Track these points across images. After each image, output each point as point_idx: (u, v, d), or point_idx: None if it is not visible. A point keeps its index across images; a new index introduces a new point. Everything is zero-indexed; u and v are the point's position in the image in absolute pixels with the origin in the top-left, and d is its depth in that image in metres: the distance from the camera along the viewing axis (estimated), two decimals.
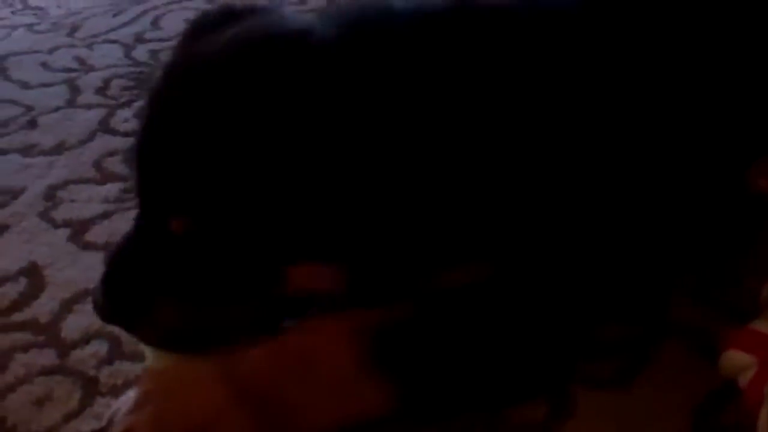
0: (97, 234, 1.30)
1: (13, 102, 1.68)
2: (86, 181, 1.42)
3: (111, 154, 1.49)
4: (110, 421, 0.91)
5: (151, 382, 0.92)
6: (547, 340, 0.94)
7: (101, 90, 1.71)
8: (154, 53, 1.83)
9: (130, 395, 0.91)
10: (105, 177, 1.42)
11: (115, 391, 1.01)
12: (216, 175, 0.87)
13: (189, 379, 0.90)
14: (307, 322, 0.92)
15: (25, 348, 1.09)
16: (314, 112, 0.87)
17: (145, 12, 2.05)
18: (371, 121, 0.87)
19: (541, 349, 0.94)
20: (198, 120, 0.88)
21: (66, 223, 1.32)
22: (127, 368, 1.05)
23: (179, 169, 0.89)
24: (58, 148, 1.52)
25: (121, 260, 0.94)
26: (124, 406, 0.90)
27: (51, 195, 1.39)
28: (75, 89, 1.72)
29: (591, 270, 0.96)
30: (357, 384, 0.87)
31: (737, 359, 0.89)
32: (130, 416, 0.88)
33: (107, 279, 0.93)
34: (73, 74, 1.77)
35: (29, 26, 2.05)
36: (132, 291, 0.92)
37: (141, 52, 1.85)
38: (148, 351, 0.97)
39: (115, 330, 1.09)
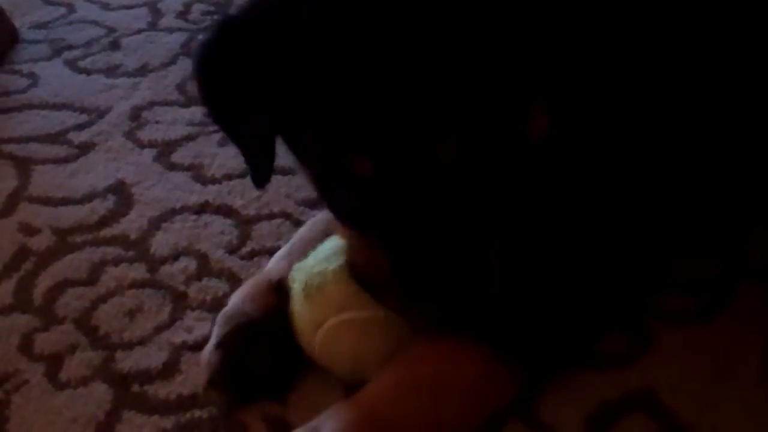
0: (183, 155, 1.33)
1: (96, 23, 1.71)
2: (170, 103, 1.45)
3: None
4: None
5: None
6: (623, 270, 0.96)
7: (182, 14, 1.73)
8: None
9: None
10: (188, 100, 1.44)
11: (204, 306, 1.04)
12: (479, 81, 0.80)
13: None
14: (421, 340, 0.88)
15: (116, 262, 1.13)
16: None
17: None
18: None
19: (618, 280, 0.96)
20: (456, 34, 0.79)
21: (151, 144, 1.35)
22: (215, 285, 1.08)
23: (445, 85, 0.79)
24: (142, 70, 1.55)
25: (415, 260, 0.83)
26: None
27: (136, 115, 1.42)
28: (156, 12, 1.74)
29: (666, 204, 0.97)
30: (486, 385, 0.88)
31: None
32: None
33: (428, 291, 0.83)
34: None
35: None
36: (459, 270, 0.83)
37: None
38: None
39: (203, 248, 1.13)
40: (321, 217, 1.06)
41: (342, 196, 0.86)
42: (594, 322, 0.95)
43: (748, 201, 1.07)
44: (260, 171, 0.92)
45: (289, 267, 0.96)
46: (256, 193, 1.22)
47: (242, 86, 0.86)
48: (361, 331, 0.89)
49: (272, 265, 1.00)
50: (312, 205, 1.19)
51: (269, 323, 0.93)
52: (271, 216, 1.18)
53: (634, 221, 0.97)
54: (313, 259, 0.94)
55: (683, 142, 0.98)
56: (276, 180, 1.24)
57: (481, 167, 0.81)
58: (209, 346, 0.93)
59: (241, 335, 0.92)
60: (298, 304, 0.92)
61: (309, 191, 1.20)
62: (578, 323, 0.93)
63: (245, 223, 1.17)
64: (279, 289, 0.95)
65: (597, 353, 0.94)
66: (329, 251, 0.94)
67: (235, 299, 0.96)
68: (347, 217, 0.88)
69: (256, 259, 1.10)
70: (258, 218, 1.18)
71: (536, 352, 0.90)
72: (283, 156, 1.24)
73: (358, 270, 0.89)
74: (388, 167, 0.80)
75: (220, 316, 0.95)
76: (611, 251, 0.96)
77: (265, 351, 0.92)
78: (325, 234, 0.98)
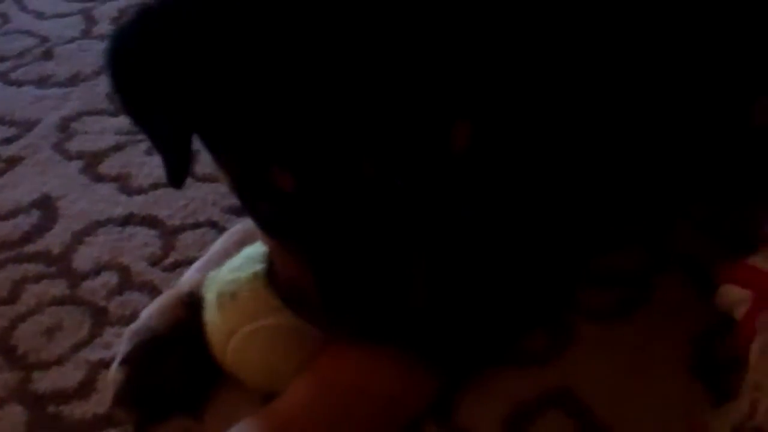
0: (110, 166, 1.31)
1: (29, 33, 1.68)
2: (100, 112, 1.43)
3: None
4: None
5: None
6: (545, 270, 0.95)
7: (116, 20, 1.70)
8: None
9: None
10: (118, 108, 1.41)
11: (124, 321, 1.02)
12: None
13: None
14: (334, 346, 0.87)
15: (37, 279, 1.11)
16: None
17: None
18: None
19: (540, 280, 0.95)
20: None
21: (79, 155, 1.33)
22: (136, 299, 1.07)
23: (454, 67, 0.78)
24: (73, 80, 1.52)
25: (337, 273, 0.82)
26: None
27: (65, 127, 1.40)
28: (90, 20, 1.72)
29: (588, 199, 0.96)
30: (403, 389, 0.86)
31: (732, 293, 0.89)
32: None
33: (350, 304, 0.82)
34: (89, 4, 1.76)
35: None
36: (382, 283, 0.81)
37: None
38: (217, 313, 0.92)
39: (126, 260, 1.12)
40: (237, 227, 1.05)
41: (263, 207, 0.84)
42: (515, 322, 0.94)
43: (671, 192, 1.05)
44: (176, 170, 0.88)
45: (203, 280, 0.95)
46: (182, 202, 1.20)
47: (157, 79, 0.83)
48: (274, 338, 0.88)
49: (185, 279, 0.99)
50: (238, 212, 1.17)
51: (177, 338, 0.92)
52: (197, 225, 1.17)
53: (556, 219, 0.96)
54: (227, 268, 0.93)
55: (606, 137, 0.96)
56: (202, 187, 1.23)
57: (404, 181, 0.79)
58: (114, 363, 0.91)
59: (145, 351, 0.91)
60: (211, 314, 0.91)
61: (235, 199, 1.19)
62: (498, 324, 0.92)
63: (170, 234, 1.16)
64: (193, 302, 0.93)
65: (516, 352, 0.93)
66: (243, 260, 0.93)
67: (143, 315, 0.95)
68: (269, 227, 0.86)
69: (178, 270, 1.08)
70: (183, 228, 1.17)
71: (455, 354, 0.89)
72: (210, 163, 1.24)
73: (280, 282, 0.88)
74: (310, 182, 0.78)
75: (126, 333, 0.94)
76: (533, 250, 0.94)
77: (172, 367, 0.91)
78: (241, 245, 0.96)
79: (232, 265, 0.93)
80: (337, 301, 0.82)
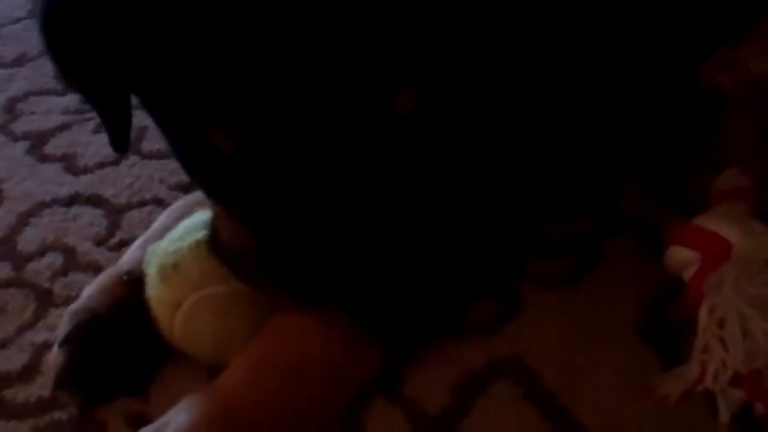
0: (56, 146, 1.29)
1: None
2: (46, 92, 1.41)
3: None
4: None
5: None
6: (491, 237, 0.94)
7: None
8: None
9: None
10: (65, 88, 1.40)
11: (68, 302, 1.00)
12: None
13: None
14: (277, 318, 0.85)
15: None
16: None
17: None
18: None
19: (487, 248, 0.93)
20: None
21: (25, 136, 1.32)
22: (81, 279, 1.05)
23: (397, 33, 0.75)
24: (20, 60, 1.50)
25: (277, 236, 0.81)
26: None
27: (11, 108, 1.38)
28: None
29: (532, 162, 0.95)
30: (347, 362, 0.85)
31: (680, 255, 0.88)
32: None
33: (289, 267, 0.81)
34: None
35: None
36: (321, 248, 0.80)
37: None
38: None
39: (71, 241, 1.10)
40: (178, 203, 1.04)
41: (202, 169, 0.82)
42: (462, 291, 0.93)
43: (617, 153, 1.05)
44: (117, 133, 0.87)
45: (143, 257, 0.93)
46: (128, 180, 1.19)
47: (90, 39, 0.79)
48: (222, 306, 0.87)
49: (126, 257, 0.97)
50: (185, 189, 1.16)
51: (117, 317, 0.90)
52: (143, 203, 1.15)
53: (501, 184, 0.95)
54: (167, 239, 0.91)
55: (550, 97, 0.95)
56: (149, 165, 1.22)
57: (346, 143, 0.76)
58: (55, 345, 0.90)
59: (85, 332, 0.89)
60: (154, 288, 0.89)
61: (182, 175, 1.17)
62: (445, 293, 0.91)
63: (115, 213, 1.14)
64: (133, 280, 0.92)
65: (464, 321, 0.92)
66: (183, 230, 0.91)
67: (83, 295, 0.93)
68: (210, 190, 0.84)
69: (124, 249, 1.06)
70: (129, 206, 1.15)
71: (402, 324, 0.88)
72: (156, 138, 1.22)
73: (223, 247, 0.86)
74: (248, 144, 0.75)
75: (66, 313, 0.92)
76: (478, 216, 0.93)
77: (114, 347, 0.89)
78: (182, 220, 0.94)
79: (172, 236, 0.91)
80: (276, 263, 0.80)
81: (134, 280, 0.92)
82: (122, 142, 0.87)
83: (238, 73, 0.72)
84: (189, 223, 0.91)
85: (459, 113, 0.88)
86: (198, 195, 1.03)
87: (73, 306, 0.92)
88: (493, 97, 0.91)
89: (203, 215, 0.91)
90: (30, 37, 1.56)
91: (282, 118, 0.74)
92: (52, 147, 1.28)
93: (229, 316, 0.87)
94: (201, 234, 0.88)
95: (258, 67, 0.72)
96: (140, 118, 1.24)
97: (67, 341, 0.89)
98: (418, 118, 0.80)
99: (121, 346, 0.90)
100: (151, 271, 0.89)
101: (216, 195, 0.84)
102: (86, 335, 0.89)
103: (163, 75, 0.76)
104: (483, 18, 0.84)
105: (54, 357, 0.89)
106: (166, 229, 0.96)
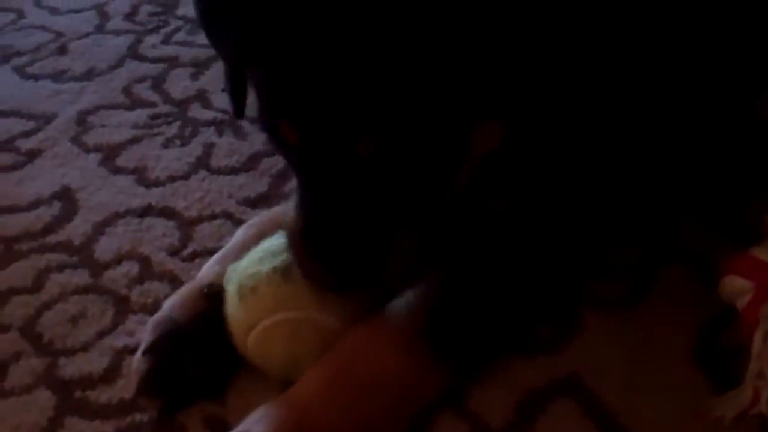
0: (128, 158, 1.34)
1: (44, 28, 1.72)
2: (116, 106, 1.46)
3: (139, 80, 1.53)
4: None
5: None
6: (555, 264, 0.98)
7: (129, 16, 1.74)
8: None
9: None
10: (134, 102, 1.46)
11: (146, 309, 1.06)
12: (397, 68, 0.80)
13: None
14: (350, 337, 0.90)
15: (60, 268, 1.15)
16: None
17: None
18: None
19: (551, 274, 0.98)
20: (364, 21, 0.80)
21: (97, 148, 1.37)
22: (157, 288, 1.10)
23: (361, 82, 0.80)
24: (88, 74, 1.56)
25: (323, 227, 0.87)
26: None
27: (82, 120, 1.43)
28: (104, 15, 1.75)
29: (597, 195, 0.99)
30: (417, 380, 0.89)
31: (735, 284, 0.92)
32: None
33: (322, 253, 0.87)
34: (102, 0, 1.80)
35: None
36: (357, 246, 0.86)
37: None
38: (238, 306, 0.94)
39: (146, 251, 1.15)
40: (255, 220, 1.09)
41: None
42: (526, 313, 0.97)
43: (677, 186, 1.09)
44: (235, 100, 0.96)
45: (223, 271, 0.98)
46: (198, 194, 1.24)
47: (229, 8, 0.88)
48: (292, 331, 0.91)
49: (205, 271, 1.02)
50: (253, 204, 1.21)
51: (198, 329, 0.95)
52: (213, 217, 1.20)
53: (566, 213, 0.99)
54: (247, 261, 0.96)
55: (613, 130, 0.99)
56: (217, 180, 1.27)
57: (401, 169, 0.84)
58: (138, 353, 0.95)
59: (167, 342, 0.94)
60: (232, 307, 0.94)
61: (251, 190, 1.23)
62: (511, 314, 0.96)
63: (187, 225, 1.19)
64: (213, 294, 0.97)
65: (528, 341, 0.96)
66: (262, 253, 0.95)
67: (165, 306, 0.98)
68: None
69: (197, 260, 1.12)
70: (200, 219, 1.20)
71: (470, 344, 0.93)
72: (225, 155, 1.27)
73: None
74: (310, 145, 0.84)
75: (149, 323, 0.97)
76: (542, 242, 0.98)
77: (194, 357, 0.94)
78: (259, 237, 0.99)
79: (251, 258, 0.95)
80: (313, 247, 0.87)
81: (214, 294, 0.97)
82: (238, 108, 0.97)
83: (317, 80, 0.81)
84: (268, 246, 0.95)
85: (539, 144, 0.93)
86: (273, 212, 1.08)
87: (157, 316, 0.97)
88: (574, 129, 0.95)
89: (281, 238, 0.94)
90: (98, 52, 1.62)
91: (342, 132, 0.82)
92: (123, 159, 1.33)
93: (299, 341, 0.91)
94: (279, 259, 0.93)
95: (335, 78, 0.81)
96: (207, 136, 1.32)
97: (150, 350, 0.94)
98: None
99: (200, 355, 0.94)
100: (231, 289, 0.94)
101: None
102: (168, 345, 0.94)
103: (266, 57, 0.85)
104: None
105: (137, 363, 0.94)
106: (244, 245, 1.01)
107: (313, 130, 0.84)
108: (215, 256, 1.04)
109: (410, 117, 0.82)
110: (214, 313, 0.95)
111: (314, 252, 0.87)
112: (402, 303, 0.92)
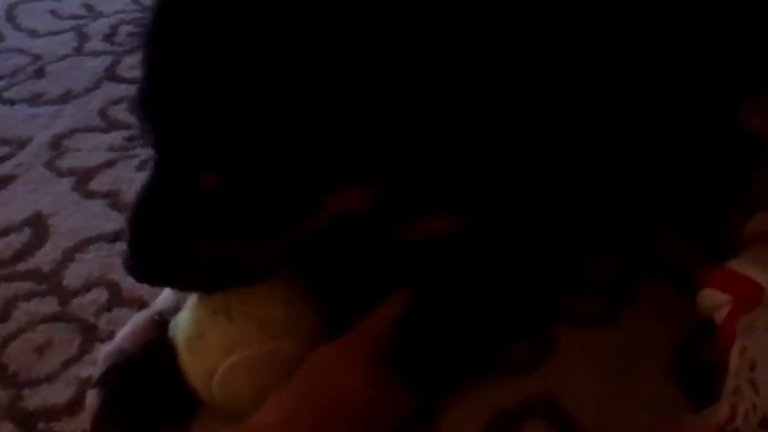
0: (101, 182, 1.32)
1: (22, 51, 1.70)
2: (92, 129, 1.44)
3: (116, 101, 1.51)
4: None
5: None
6: (530, 280, 0.95)
7: (109, 36, 1.73)
8: None
9: None
10: (110, 125, 1.44)
11: (112, 337, 1.02)
12: (247, 116, 0.79)
13: None
14: (313, 361, 0.87)
15: (28, 297, 1.12)
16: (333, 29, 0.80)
17: None
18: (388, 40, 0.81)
19: (525, 290, 0.95)
20: (214, 58, 0.79)
21: (71, 172, 1.35)
22: (125, 315, 1.07)
23: (206, 118, 0.80)
24: (65, 97, 1.54)
25: (146, 217, 0.88)
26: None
27: (57, 144, 1.41)
28: (83, 36, 1.74)
29: (571, 208, 0.97)
30: (384, 403, 0.87)
31: (713, 297, 0.89)
32: None
33: (134, 240, 0.89)
34: (81, 21, 1.79)
35: None
36: (163, 245, 0.87)
37: None
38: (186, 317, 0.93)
39: (116, 277, 1.12)
40: None
41: None
42: (499, 329, 0.95)
43: (656, 197, 1.06)
44: None
45: (175, 297, 0.96)
46: None
47: None
48: (252, 367, 0.88)
49: (160, 298, 0.99)
50: None
51: (150, 358, 0.93)
52: None
53: (539, 226, 0.96)
54: (187, 309, 0.93)
55: (591, 139, 0.96)
56: None
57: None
58: (90, 386, 0.93)
59: (118, 374, 0.92)
60: (185, 358, 0.91)
61: None
62: (482, 332, 0.93)
63: None
64: (165, 321, 0.94)
65: (499, 360, 0.94)
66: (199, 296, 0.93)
67: (117, 337, 0.96)
68: None
69: None
70: None
71: (437, 365, 0.90)
72: None
73: None
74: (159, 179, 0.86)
75: (101, 355, 0.95)
76: (515, 256, 0.95)
77: (148, 387, 0.92)
78: None
79: (189, 305, 0.93)
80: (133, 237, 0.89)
81: (167, 320, 0.94)
82: None
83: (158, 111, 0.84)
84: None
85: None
86: None
87: (107, 348, 0.95)
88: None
89: None
90: (76, 74, 1.60)
91: (186, 165, 0.84)
92: (97, 183, 1.31)
93: (261, 375, 0.88)
94: (217, 300, 0.90)
95: (176, 108, 0.82)
96: None
97: (101, 383, 0.92)
98: None
99: (155, 385, 0.92)
100: (180, 344, 0.91)
101: None
102: (119, 377, 0.92)
103: None
104: None
105: (90, 398, 0.92)
106: None
107: (163, 152, 0.85)
108: None
109: (256, 159, 0.81)
110: (167, 340, 0.92)
111: (131, 237, 0.88)
112: (367, 323, 0.89)
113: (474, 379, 0.92)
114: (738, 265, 0.90)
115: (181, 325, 0.91)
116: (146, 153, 1.35)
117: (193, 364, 0.90)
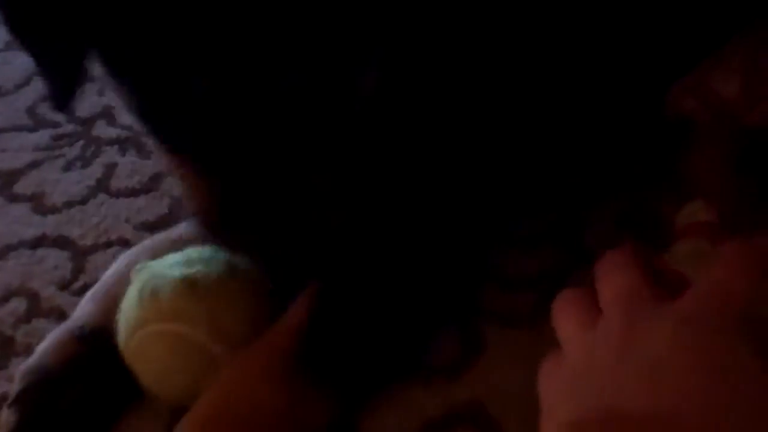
0: (26, 185, 1.28)
1: None
2: (19, 128, 1.40)
3: (45, 98, 1.45)
4: None
5: None
6: (444, 267, 0.92)
7: None
8: None
9: None
10: (37, 123, 1.40)
11: (30, 351, 0.99)
12: None
13: None
14: (229, 369, 0.85)
15: None
16: None
17: None
18: None
19: (440, 279, 0.92)
20: None
21: None
22: (43, 326, 1.03)
23: None
24: None
25: None
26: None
27: None
28: None
29: (490, 194, 0.94)
30: (297, 412, 0.83)
31: None
32: None
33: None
34: None
35: None
36: None
37: None
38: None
39: (35, 286, 1.09)
40: (129, 252, 1.03)
41: (171, 119, 0.79)
42: (413, 323, 0.91)
43: (583, 182, 1.03)
44: (62, 89, 0.82)
45: (97, 311, 0.93)
46: (95, 219, 1.18)
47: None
48: (176, 346, 0.86)
49: (79, 311, 0.95)
50: (151, 228, 1.15)
51: (71, 374, 0.89)
52: (108, 244, 1.14)
53: (459, 213, 0.93)
54: (159, 263, 0.90)
55: (508, 113, 0.92)
56: (116, 203, 1.20)
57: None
58: (5, 405, 0.89)
59: (36, 392, 0.88)
60: (128, 304, 0.88)
61: (149, 213, 1.17)
62: (397, 328, 0.90)
63: (81, 255, 1.13)
64: (87, 334, 0.91)
65: (423, 364, 0.91)
66: (177, 259, 0.90)
67: (36, 352, 0.92)
68: (177, 145, 0.82)
69: (88, 293, 1.05)
70: (95, 248, 1.14)
71: (352, 368, 0.87)
72: (127, 176, 1.21)
73: (196, 213, 0.86)
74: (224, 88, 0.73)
75: (18, 372, 0.91)
76: (432, 247, 0.91)
77: (69, 404, 0.88)
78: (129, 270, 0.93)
79: (165, 261, 0.90)
80: (235, 220, 0.81)
81: (88, 334, 0.91)
82: (66, 98, 0.83)
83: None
84: (189, 254, 0.90)
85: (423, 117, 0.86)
86: (155, 239, 1.02)
87: (25, 364, 0.91)
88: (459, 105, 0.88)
89: (196, 252, 0.90)
90: (6, 70, 1.55)
91: (261, 73, 0.72)
92: (21, 186, 1.27)
93: (179, 358, 0.86)
94: (192, 270, 0.88)
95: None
96: (110, 156, 1.25)
97: (18, 401, 0.88)
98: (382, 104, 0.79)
99: (76, 403, 0.88)
100: (134, 286, 0.89)
101: (182, 147, 0.82)
102: (38, 395, 0.88)
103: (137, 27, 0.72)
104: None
105: (5, 416, 0.88)
106: (119, 280, 0.95)
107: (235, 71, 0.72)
108: (88, 294, 0.98)
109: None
110: (89, 355, 0.89)
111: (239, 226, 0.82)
112: (279, 325, 0.85)
113: (397, 385, 0.89)
114: (670, 260, 0.87)
115: (148, 271, 0.89)
116: (73, 152, 1.31)
117: (131, 313, 0.87)
